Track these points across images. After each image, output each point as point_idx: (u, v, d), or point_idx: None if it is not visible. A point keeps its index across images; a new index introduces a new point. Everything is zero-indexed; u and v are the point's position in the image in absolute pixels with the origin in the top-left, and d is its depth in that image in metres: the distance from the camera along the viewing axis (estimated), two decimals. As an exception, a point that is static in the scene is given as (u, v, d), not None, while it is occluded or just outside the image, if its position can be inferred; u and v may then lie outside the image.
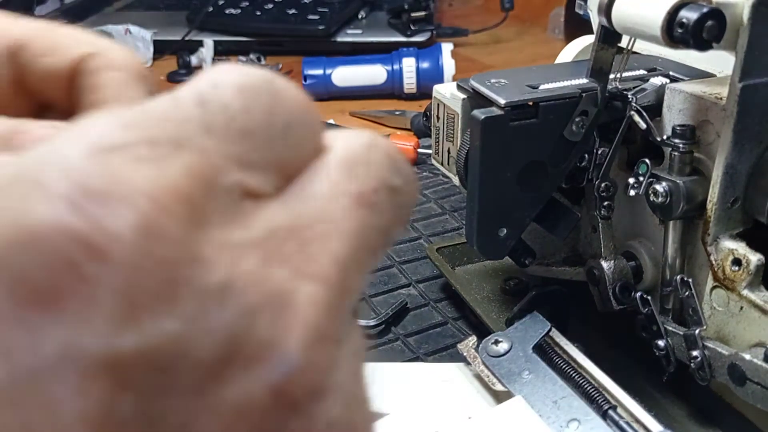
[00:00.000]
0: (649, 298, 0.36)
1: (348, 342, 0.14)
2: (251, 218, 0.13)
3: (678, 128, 0.34)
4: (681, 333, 0.35)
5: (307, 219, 0.14)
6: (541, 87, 0.37)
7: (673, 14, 0.30)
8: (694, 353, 0.34)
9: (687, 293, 0.35)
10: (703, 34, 0.29)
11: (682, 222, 0.35)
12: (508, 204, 0.37)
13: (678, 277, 0.35)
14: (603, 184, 0.37)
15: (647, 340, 0.37)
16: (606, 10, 0.33)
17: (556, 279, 0.43)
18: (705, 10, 0.29)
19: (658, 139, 0.35)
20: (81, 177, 0.12)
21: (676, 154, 0.34)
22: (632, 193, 0.35)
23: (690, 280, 0.35)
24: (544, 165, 0.37)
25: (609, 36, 0.34)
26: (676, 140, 0.34)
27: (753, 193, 0.33)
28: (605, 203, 0.37)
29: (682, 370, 0.36)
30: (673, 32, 0.30)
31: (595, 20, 0.35)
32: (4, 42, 0.20)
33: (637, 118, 0.35)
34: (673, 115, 0.35)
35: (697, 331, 0.34)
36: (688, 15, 0.29)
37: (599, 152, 0.37)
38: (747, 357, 0.31)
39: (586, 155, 0.37)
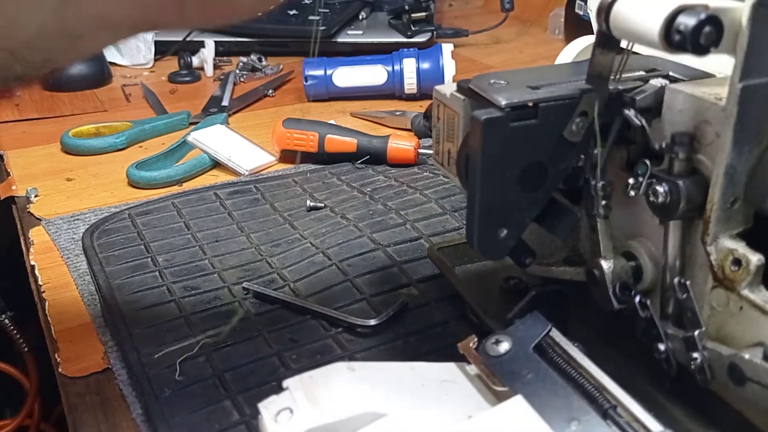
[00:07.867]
0: (648, 302, 0.37)
1: None
2: None
3: (677, 137, 0.34)
4: (681, 336, 0.35)
5: None
6: (542, 88, 0.37)
7: (671, 20, 0.30)
8: (694, 355, 0.34)
9: (685, 296, 0.35)
10: (701, 40, 0.29)
11: (682, 222, 0.35)
12: (509, 204, 0.37)
13: (676, 280, 0.35)
14: (600, 184, 0.37)
15: (647, 344, 0.37)
16: (604, 15, 0.33)
17: (557, 279, 0.44)
18: (702, 16, 0.29)
19: (656, 146, 0.35)
20: None
21: (675, 159, 0.34)
22: (632, 193, 0.36)
23: (688, 282, 0.35)
24: (544, 165, 0.37)
25: (608, 41, 0.34)
26: (676, 147, 0.34)
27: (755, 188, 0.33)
28: (603, 202, 0.37)
29: (681, 371, 0.36)
30: (671, 38, 0.30)
31: (595, 23, 0.35)
32: None
33: (638, 121, 0.35)
34: (673, 116, 0.35)
35: (696, 333, 0.34)
36: (686, 21, 0.29)
37: (595, 152, 0.37)
38: (746, 356, 0.31)
39: (583, 156, 0.37)
